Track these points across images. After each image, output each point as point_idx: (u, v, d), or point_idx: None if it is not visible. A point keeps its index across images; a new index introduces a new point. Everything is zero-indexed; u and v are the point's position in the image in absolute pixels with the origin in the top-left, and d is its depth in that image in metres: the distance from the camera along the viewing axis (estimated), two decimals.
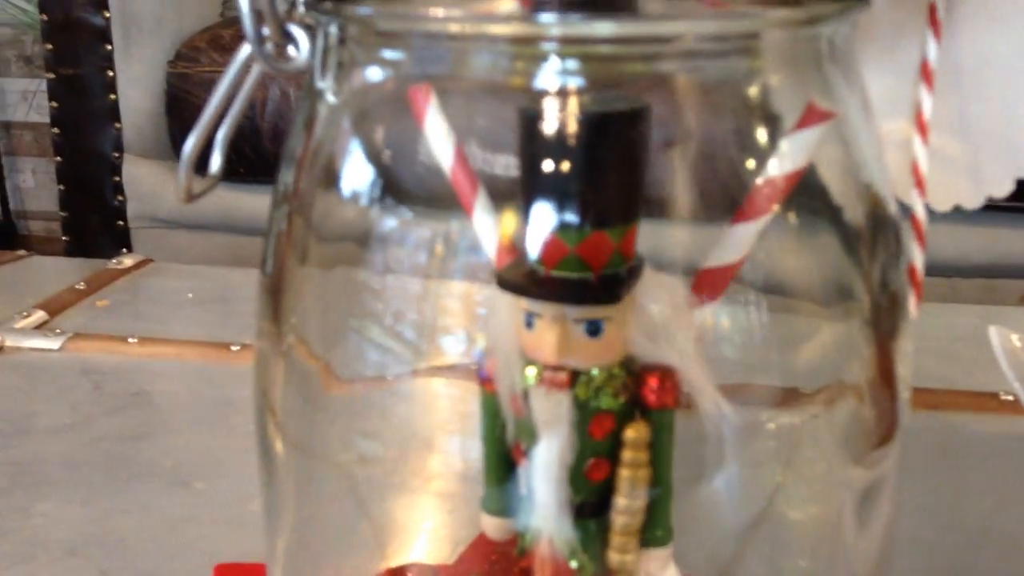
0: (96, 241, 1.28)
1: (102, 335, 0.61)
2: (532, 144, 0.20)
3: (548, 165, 0.20)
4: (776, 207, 0.22)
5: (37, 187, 2.31)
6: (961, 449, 0.49)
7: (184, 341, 0.61)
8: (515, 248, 0.22)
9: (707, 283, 0.22)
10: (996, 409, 0.52)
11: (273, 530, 0.28)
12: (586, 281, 0.20)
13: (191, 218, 1.24)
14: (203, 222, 1.24)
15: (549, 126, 0.20)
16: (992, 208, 0.41)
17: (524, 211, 0.20)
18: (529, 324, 0.20)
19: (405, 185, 0.25)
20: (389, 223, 0.25)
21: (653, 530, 0.21)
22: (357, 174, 0.25)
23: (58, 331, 0.62)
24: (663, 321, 0.20)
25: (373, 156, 0.25)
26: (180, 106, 1.20)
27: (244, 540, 0.41)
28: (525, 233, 0.20)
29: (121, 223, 1.27)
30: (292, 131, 0.26)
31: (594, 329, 0.20)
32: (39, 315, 0.64)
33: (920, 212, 0.27)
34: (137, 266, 0.76)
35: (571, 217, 0.20)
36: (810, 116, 0.22)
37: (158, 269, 0.76)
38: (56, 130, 1.28)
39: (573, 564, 0.21)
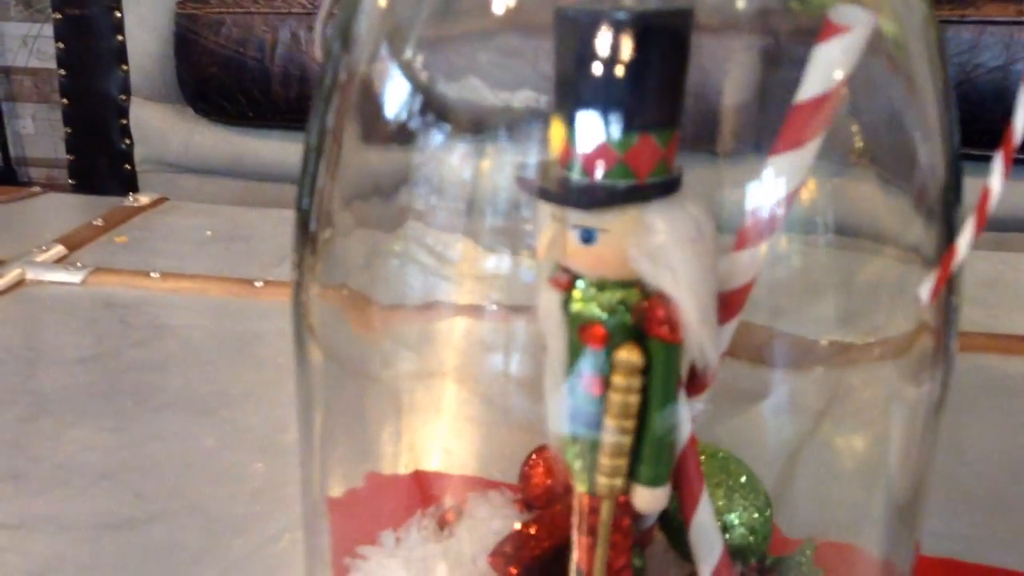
0: (103, 185, 1.27)
1: (123, 270, 0.61)
2: (573, 46, 0.19)
3: (590, 67, 0.19)
4: (816, 137, 0.22)
5: (37, 133, 2.29)
6: (995, 388, 0.49)
7: (207, 276, 0.60)
8: (564, 155, 0.21)
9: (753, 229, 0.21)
10: None
11: (308, 442, 0.28)
12: (570, 185, 0.19)
13: (198, 162, 1.23)
14: (210, 166, 1.23)
15: (590, 28, 0.19)
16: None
17: (568, 118, 0.20)
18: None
19: (444, 103, 0.25)
20: (428, 144, 0.24)
21: (639, 464, 0.21)
22: (396, 95, 0.25)
23: (79, 265, 0.61)
24: (664, 247, 0.19)
25: (411, 77, 0.24)
26: (188, 48, 1.19)
27: (275, 468, 0.41)
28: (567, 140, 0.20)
29: (128, 167, 1.26)
30: (329, 56, 0.26)
31: (586, 236, 0.20)
32: (58, 250, 0.64)
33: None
34: (153, 204, 0.75)
35: (615, 120, 0.19)
36: (827, 31, 0.21)
37: (174, 208, 0.76)
38: (62, 72, 1.27)
39: (574, 479, 0.21)
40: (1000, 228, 1.05)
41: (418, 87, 0.24)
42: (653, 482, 0.21)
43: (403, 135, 0.25)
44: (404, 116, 0.24)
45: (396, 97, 0.24)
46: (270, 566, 0.35)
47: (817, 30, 0.20)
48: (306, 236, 0.26)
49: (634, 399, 0.20)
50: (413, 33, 0.25)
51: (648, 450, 0.21)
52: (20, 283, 0.59)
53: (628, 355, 0.20)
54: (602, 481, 0.21)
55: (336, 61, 0.25)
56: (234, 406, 0.46)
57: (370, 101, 0.25)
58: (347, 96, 0.25)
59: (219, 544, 0.36)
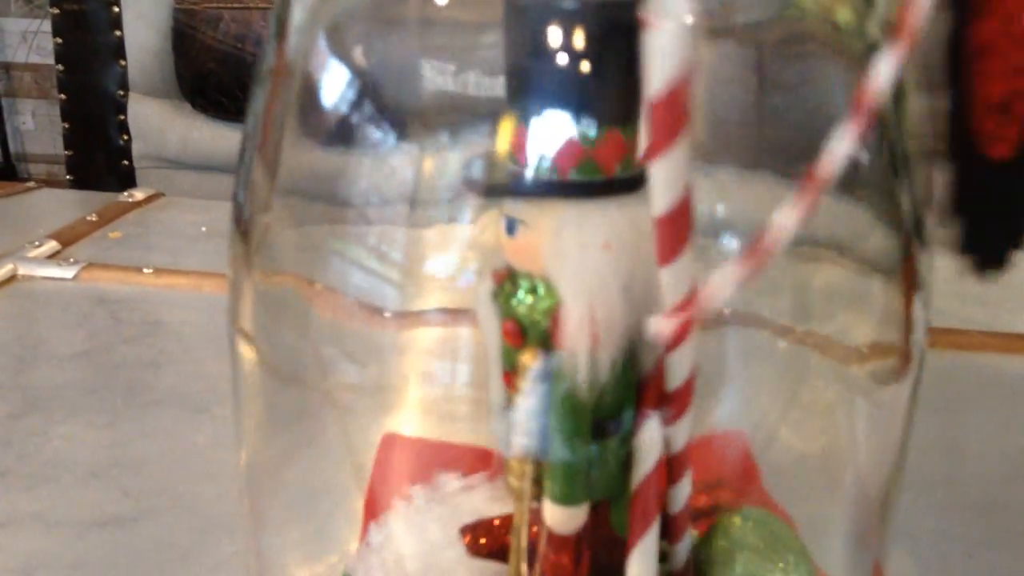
0: (101, 180, 1.27)
1: (116, 265, 0.61)
2: (528, 37, 0.18)
3: (548, 60, 0.18)
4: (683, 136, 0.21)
5: (38, 129, 2.29)
6: (991, 388, 0.49)
7: (200, 272, 0.60)
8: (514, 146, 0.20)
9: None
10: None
11: (240, 443, 0.28)
12: (507, 174, 0.19)
13: (196, 158, 1.23)
14: (208, 162, 1.23)
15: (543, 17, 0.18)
16: None
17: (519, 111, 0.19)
18: None
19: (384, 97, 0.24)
20: (368, 140, 0.24)
21: (549, 479, 0.20)
22: (334, 91, 0.24)
23: (72, 260, 0.61)
24: (568, 248, 0.18)
25: (351, 72, 0.24)
26: (186, 43, 1.18)
27: None
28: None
29: (126, 163, 1.26)
30: (264, 49, 0.25)
31: (509, 226, 0.19)
32: (51, 245, 0.63)
33: None
34: (148, 200, 0.75)
35: (582, 115, 0.18)
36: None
37: (169, 203, 0.75)
38: (60, 67, 1.26)
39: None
40: None
41: (356, 76, 0.23)
42: (559, 500, 0.20)
43: (342, 129, 0.24)
44: (343, 109, 0.24)
45: (333, 89, 0.24)
46: None
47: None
48: (239, 228, 0.26)
49: None
50: (351, 20, 0.24)
51: (555, 467, 0.19)
52: (12, 279, 0.59)
53: (526, 359, 0.19)
54: (510, 480, 0.20)
55: (271, 46, 0.24)
56: (226, 403, 0.46)
57: (307, 92, 0.24)
58: (281, 85, 0.25)
59: (208, 542, 0.36)
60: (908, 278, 0.25)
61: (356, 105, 0.23)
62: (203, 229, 0.70)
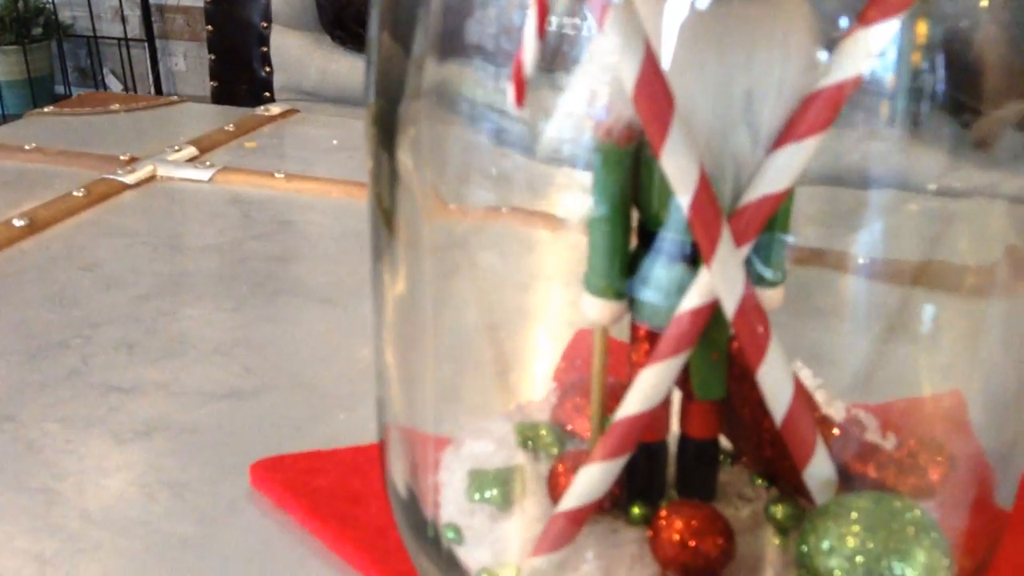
0: None
1: (250, 170, 0.61)
2: None
3: None
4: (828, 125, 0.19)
5: (188, 71, 2.37)
6: None
7: (329, 179, 0.60)
8: None
9: (743, 220, 0.20)
10: None
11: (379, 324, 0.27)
12: None
13: (332, 90, 1.24)
14: (343, 94, 1.24)
15: None
16: None
17: None
18: None
19: None
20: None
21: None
22: None
23: (208, 164, 0.62)
24: None
25: None
26: None
27: None
28: None
29: (267, 94, 1.29)
30: None
31: None
32: (190, 150, 0.65)
33: None
34: (284, 114, 0.76)
35: None
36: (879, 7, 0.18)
37: (303, 119, 0.76)
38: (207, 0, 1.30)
39: None
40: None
41: None
42: (591, 289, 0.21)
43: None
44: None
45: None
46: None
47: None
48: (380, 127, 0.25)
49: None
50: None
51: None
52: (152, 178, 0.60)
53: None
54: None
55: None
56: (347, 297, 0.46)
57: None
58: None
59: (322, 416, 0.36)
60: None
61: None
62: (334, 142, 0.70)
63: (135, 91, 2.32)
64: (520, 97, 0.22)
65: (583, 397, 0.26)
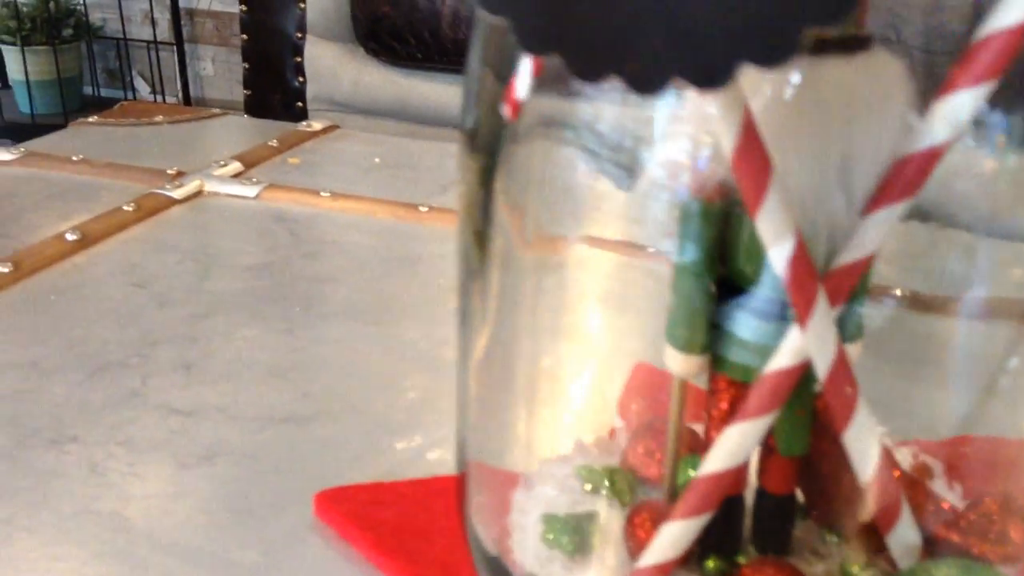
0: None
1: (296, 187, 0.62)
2: None
3: None
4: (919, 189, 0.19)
5: (216, 76, 2.38)
6: None
7: (374, 199, 0.60)
8: None
9: (836, 282, 0.20)
10: None
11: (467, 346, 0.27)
12: None
13: (364, 102, 1.25)
14: (378, 107, 1.25)
15: None
16: None
17: None
18: None
19: None
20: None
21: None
22: None
23: (254, 180, 0.62)
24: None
25: None
26: None
27: (434, 378, 0.41)
28: None
29: (300, 104, 1.30)
30: None
31: None
32: (235, 166, 0.65)
33: None
34: (325, 130, 0.76)
35: None
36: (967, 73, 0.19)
37: (344, 135, 0.77)
38: (243, 8, 1.31)
39: None
40: None
41: None
42: (674, 342, 0.22)
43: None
44: None
45: None
46: (433, 472, 0.35)
47: None
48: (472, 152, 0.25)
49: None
50: None
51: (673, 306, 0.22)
52: (199, 193, 0.61)
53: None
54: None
55: None
56: (396, 320, 0.46)
57: None
58: None
59: (381, 444, 0.36)
60: None
61: None
62: (376, 160, 0.71)
63: (163, 94, 2.34)
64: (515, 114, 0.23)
65: (654, 440, 0.27)
